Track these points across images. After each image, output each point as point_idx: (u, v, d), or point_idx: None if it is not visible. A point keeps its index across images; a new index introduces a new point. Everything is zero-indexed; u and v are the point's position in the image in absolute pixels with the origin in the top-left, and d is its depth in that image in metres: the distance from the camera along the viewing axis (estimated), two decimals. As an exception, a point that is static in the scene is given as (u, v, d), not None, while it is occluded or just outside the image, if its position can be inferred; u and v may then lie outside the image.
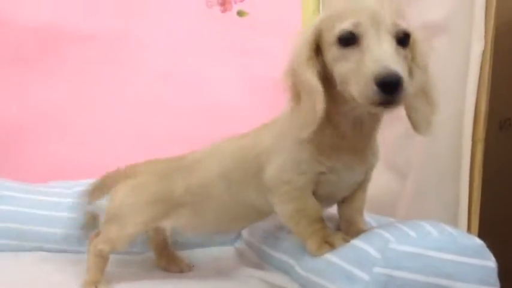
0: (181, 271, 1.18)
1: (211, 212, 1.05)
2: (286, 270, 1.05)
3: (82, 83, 1.56)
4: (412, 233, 0.85)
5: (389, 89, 0.73)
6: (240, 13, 1.67)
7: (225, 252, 1.32)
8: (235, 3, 1.67)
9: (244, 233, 1.34)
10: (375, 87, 0.73)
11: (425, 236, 0.84)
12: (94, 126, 1.55)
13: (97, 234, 1.12)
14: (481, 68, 1.06)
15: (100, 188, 1.15)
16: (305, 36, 0.85)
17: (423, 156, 1.17)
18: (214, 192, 1.02)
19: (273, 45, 1.68)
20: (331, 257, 0.92)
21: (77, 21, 1.54)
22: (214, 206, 1.04)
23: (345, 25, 0.79)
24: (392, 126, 1.28)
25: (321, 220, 0.95)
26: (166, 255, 1.21)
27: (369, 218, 1.05)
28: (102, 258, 1.06)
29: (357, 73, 0.76)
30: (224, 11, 1.67)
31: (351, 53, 0.79)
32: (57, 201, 1.31)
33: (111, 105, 1.57)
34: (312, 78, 0.82)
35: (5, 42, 1.50)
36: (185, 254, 1.28)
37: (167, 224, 1.08)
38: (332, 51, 0.81)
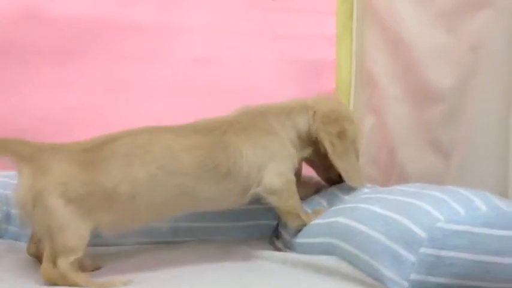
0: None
1: (149, 203, 1.08)
2: (330, 252, 1.08)
3: (122, 73, 1.59)
4: (461, 209, 0.85)
5: None
6: (273, -5, 1.68)
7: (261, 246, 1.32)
8: (269, -14, 1.68)
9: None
10: None
11: (473, 212, 0.84)
12: (137, 115, 1.58)
13: (50, 256, 1.02)
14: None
15: None
16: None
17: (469, 134, 1.16)
18: (160, 184, 1.08)
19: (306, 28, 1.70)
20: (376, 233, 0.93)
21: (115, 12, 1.57)
22: (156, 197, 1.08)
23: None
24: (435, 106, 1.28)
25: None
26: None
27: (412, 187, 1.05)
28: (77, 268, 1.02)
29: None
30: (257, -6, 1.68)
31: None
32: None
33: (151, 93, 1.60)
34: None
35: (45, 37, 1.54)
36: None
37: (102, 219, 1.06)
38: None
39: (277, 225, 1.37)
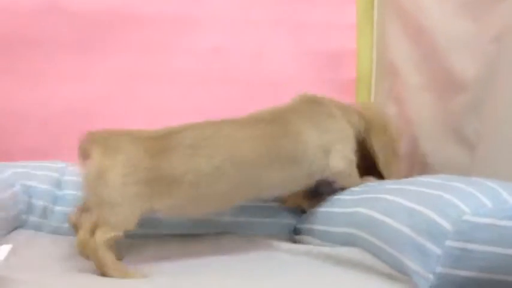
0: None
1: (212, 192, 1.12)
2: (352, 243, 1.07)
3: (142, 64, 1.59)
4: (488, 202, 0.84)
5: None
6: (293, -16, 1.67)
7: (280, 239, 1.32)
8: (288, -26, 1.66)
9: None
10: None
11: (501, 205, 0.83)
12: (156, 105, 1.59)
13: (91, 226, 1.05)
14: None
15: None
16: None
17: (493, 124, 1.15)
18: (224, 175, 1.11)
19: (326, 16, 1.68)
20: (401, 226, 0.93)
21: (134, 4, 1.58)
22: (219, 187, 1.12)
23: None
24: (458, 95, 1.26)
25: None
26: None
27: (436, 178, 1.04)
28: (110, 247, 1.03)
29: None
30: (276, -18, 1.67)
31: None
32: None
33: (170, 83, 1.61)
34: None
35: (65, 29, 1.54)
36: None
37: (161, 204, 1.09)
38: None
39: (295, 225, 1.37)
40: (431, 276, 0.84)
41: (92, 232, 1.04)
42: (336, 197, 1.25)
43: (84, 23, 1.55)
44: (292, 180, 1.21)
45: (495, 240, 0.81)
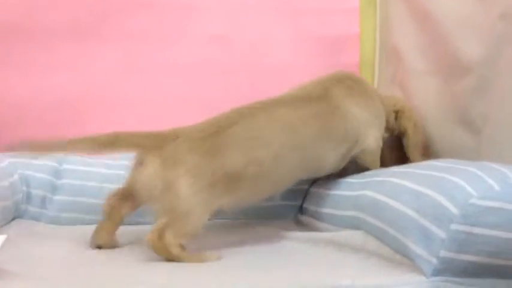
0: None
1: (273, 179, 1.13)
2: (357, 226, 1.06)
3: (139, 52, 1.58)
4: (496, 185, 0.82)
5: None
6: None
7: (285, 225, 1.32)
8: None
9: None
10: None
11: (509, 189, 0.81)
12: (153, 94, 1.58)
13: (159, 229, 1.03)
14: None
15: (115, 144, 1.09)
16: None
17: (500, 107, 1.12)
18: (284, 160, 1.12)
19: (328, 0, 1.66)
20: (406, 208, 0.92)
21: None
22: (280, 172, 1.13)
23: None
24: (464, 78, 1.24)
25: None
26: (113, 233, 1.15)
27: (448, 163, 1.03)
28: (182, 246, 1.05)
29: None
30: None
31: None
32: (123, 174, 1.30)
33: (168, 71, 1.59)
34: None
35: (60, 16, 1.53)
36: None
37: (226, 201, 1.09)
38: None
39: (301, 204, 1.37)
40: (434, 260, 0.83)
41: (161, 235, 1.02)
42: (342, 179, 1.24)
43: (80, 11, 1.53)
44: (342, 158, 1.23)
45: (502, 224, 0.79)
